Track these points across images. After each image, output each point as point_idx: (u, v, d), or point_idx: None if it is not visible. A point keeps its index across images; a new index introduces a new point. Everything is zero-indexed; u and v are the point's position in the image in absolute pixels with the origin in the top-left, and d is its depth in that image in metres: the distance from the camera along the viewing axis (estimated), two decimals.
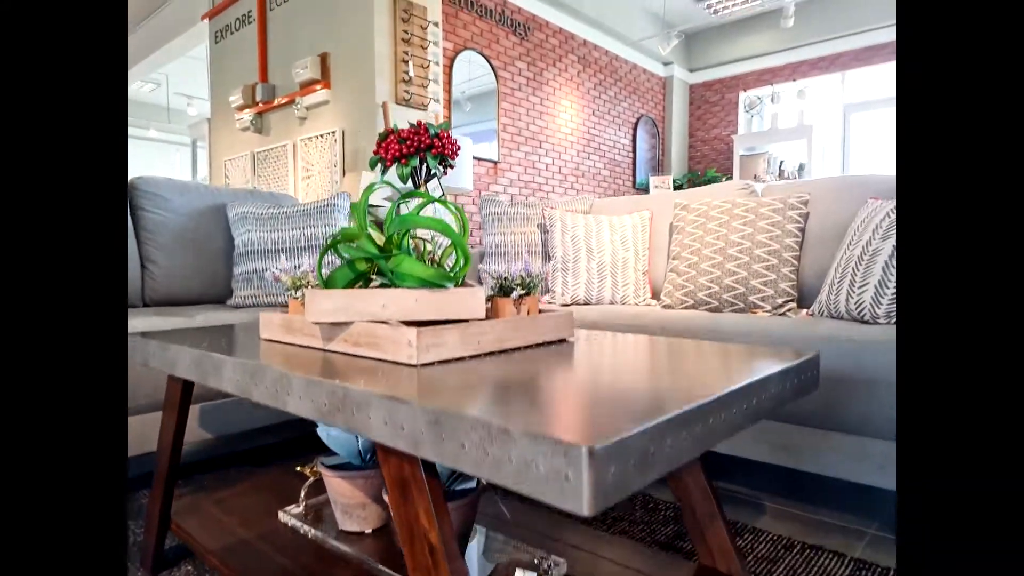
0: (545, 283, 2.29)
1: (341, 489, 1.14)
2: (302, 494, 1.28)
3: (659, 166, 6.65)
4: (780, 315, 1.83)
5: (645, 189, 6.32)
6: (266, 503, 1.34)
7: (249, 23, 4.80)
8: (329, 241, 1.00)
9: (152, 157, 8.64)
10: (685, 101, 6.89)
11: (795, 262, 1.90)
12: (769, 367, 0.83)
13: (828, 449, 1.42)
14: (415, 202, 1.12)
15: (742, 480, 1.71)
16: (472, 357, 0.92)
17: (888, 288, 1.49)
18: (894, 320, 1.45)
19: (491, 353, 0.95)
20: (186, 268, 2.15)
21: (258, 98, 4.55)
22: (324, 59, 4.13)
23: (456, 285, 1.00)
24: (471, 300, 0.96)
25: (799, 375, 0.89)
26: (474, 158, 4.57)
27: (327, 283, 0.99)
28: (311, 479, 1.31)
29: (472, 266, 2.44)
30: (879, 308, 1.49)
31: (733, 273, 1.92)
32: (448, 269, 1.05)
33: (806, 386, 0.91)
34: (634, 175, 6.24)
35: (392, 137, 1.11)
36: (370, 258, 0.96)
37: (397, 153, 1.09)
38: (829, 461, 1.43)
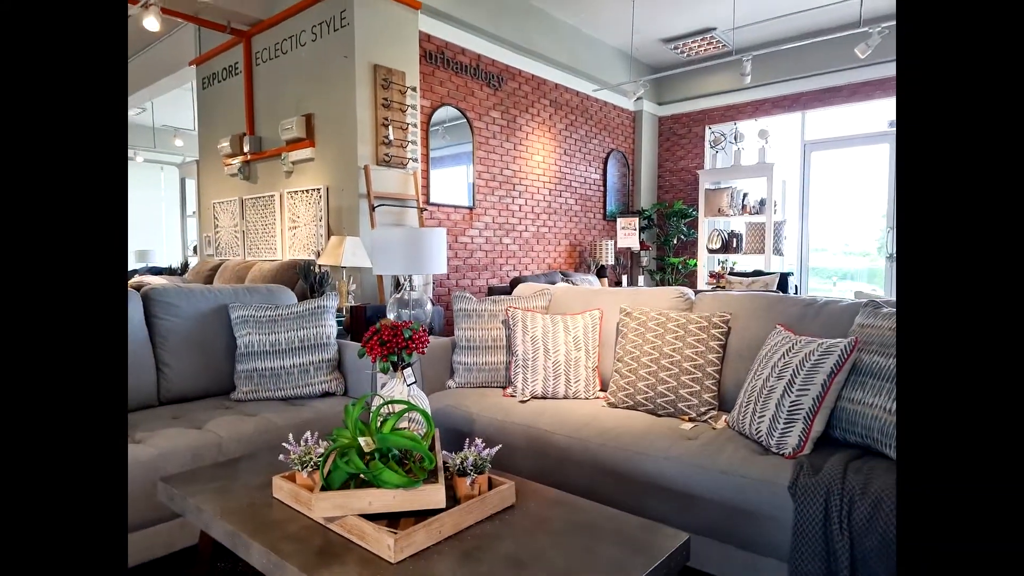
0: (508, 376, 2.63)
1: None
2: None
3: (629, 196, 6.99)
4: (703, 422, 2.19)
5: (614, 220, 6.67)
6: None
7: (236, 74, 5.01)
8: (329, 448, 1.32)
9: (139, 179, 8.75)
10: (654, 133, 7.22)
11: (717, 375, 2.26)
12: (651, 561, 1.18)
13: (722, 558, 1.79)
14: (398, 407, 1.45)
15: None
16: (435, 544, 1.26)
17: (779, 423, 1.85)
18: (784, 452, 1.81)
19: (450, 537, 1.29)
20: (194, 366, 2.45)
21: (246, 149, 4.79)
22: (309, 119, 4.38)
23: (425, 478, 1.34)
24: (434, 495, 1.30)
25: (671, 562, 1.24)
26: (451, 206, 4.86)
27: (326, 480, 1.32)
28: None
29: (445, 355, 2.76)
30: (772, 439, 1.85)
31: (665, 382, 2.27)
32: (420, 461, 1.38)
33: (676, 567, 1.26)
34: (604, 207, 6.58)
35: (375, 339, 1.44)
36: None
37: (379, 353, 1.42)
38: (724, 568, 1.79)
